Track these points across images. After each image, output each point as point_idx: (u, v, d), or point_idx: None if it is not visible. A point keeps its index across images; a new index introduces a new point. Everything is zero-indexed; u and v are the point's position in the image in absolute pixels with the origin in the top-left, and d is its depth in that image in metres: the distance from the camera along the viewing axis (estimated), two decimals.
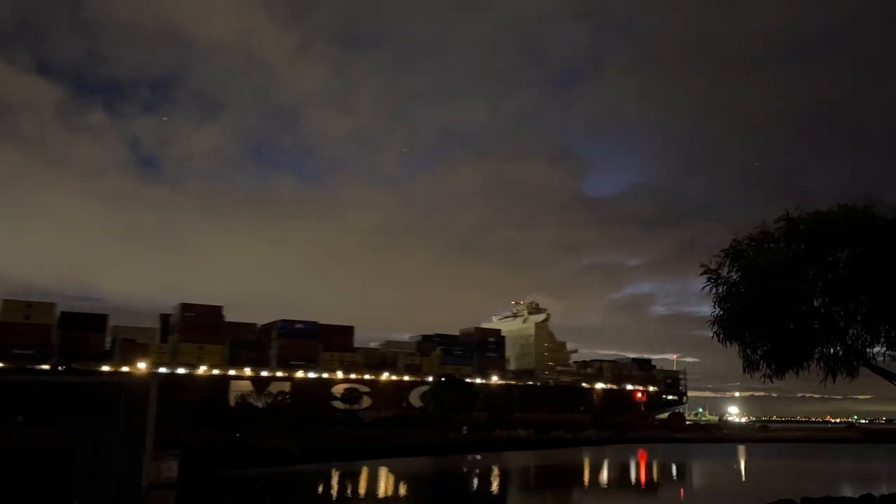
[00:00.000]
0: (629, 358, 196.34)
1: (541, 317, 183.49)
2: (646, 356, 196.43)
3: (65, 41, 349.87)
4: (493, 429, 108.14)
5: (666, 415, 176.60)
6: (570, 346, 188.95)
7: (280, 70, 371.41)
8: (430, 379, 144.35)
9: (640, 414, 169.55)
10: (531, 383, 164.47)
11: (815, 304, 16.68)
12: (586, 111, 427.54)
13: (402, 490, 52.00)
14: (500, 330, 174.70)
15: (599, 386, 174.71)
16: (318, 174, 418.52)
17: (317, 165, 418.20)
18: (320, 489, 51.10)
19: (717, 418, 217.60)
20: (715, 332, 17.75)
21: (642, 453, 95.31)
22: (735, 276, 17.28)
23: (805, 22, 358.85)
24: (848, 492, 30.04)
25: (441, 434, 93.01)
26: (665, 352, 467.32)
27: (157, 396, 39.37)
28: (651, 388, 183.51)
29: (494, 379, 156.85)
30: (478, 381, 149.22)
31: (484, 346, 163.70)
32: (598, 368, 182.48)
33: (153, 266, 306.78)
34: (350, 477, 57.54)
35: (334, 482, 54.64)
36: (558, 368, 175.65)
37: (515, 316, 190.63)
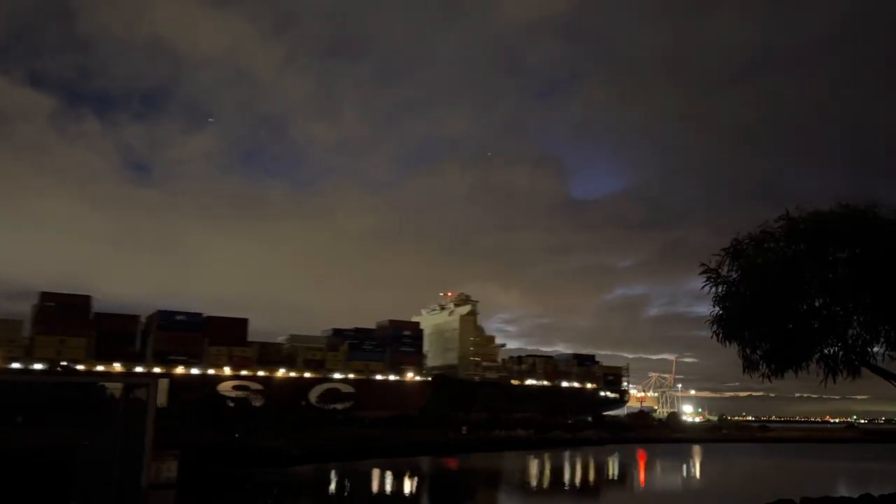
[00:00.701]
0: (569, 354, 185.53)
1: (465, 309, 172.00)
2: (645, 356, 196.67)
3: (58, 55, 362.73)
4: (492, 429, 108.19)
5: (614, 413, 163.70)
6: (498, 340, 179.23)
7: (267, 81, 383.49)
8: (337, 376, 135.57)
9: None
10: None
11: (815, 304, 16.68)
12: (568, 120, 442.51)
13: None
14: (418, 323, 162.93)
15: (530, 383, 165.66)
16: (309, 179, 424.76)
17: (307, 171, 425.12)
18: (319, 489, 51.18)
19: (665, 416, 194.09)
20: (714, 332, 17.74)
21: (641, 454, 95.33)
22: (735, 276, 17.29)
23: (775, 38, 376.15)
24: (808, 492, 30.06)
25: (441, 434, 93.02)
26: (662, 352, 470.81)
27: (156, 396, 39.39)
28: (589, 385, 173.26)
29: (409, 376, 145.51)
30: (391, 378, 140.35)
31: (398, 341, 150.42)
32: (531, 364, 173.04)
33: (147, 268, 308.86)
34: (347, 476, 57.60)
35: (333, 481, 54.70)
36: (484, 364, 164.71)
37: (442, 308, 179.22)
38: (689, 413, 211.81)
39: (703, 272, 17.83)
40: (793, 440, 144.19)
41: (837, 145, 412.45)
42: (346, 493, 50.59)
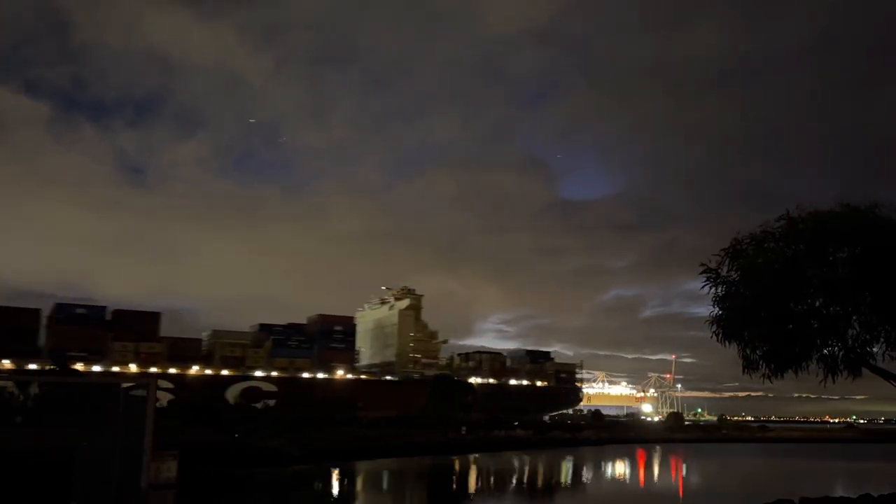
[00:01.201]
0: (524, 350, 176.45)
1: (405, 303, 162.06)
2: (644, 356, 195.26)
3: (54, 65, 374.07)
4: (491, 429, 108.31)
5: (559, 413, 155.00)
6: (441, 335, 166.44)
7: (257, 89, 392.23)
8: (259, 374, 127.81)
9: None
10: (388, 378, 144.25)
11: (815, 304, 16.67)
12: (555, 126, 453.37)
13: None
14: (351, 318, 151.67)
15: (475, 381, 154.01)
16: (300, 184, 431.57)
17: (299, 176, 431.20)
18: (316, 488, 51.21)
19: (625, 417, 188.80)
20: (714, 332, 17.72)
21: (641, 454, 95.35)
22: (735, 276, 17.28)
23: (752, 49, 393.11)
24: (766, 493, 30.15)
25: (441, 434, 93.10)
26: (659, 353, 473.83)
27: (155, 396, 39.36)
28: (539, 383, 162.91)
29: (340, 373, 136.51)
30: (319, 376, 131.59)
31: (328, 336, 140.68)
32: (477, 361, 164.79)
33: (143, 270, 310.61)
34: (344, 475, 57.61)
35: (331, 480, 54.72)
36: (424, 361, 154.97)
37: (383, 303, 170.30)
38: (648, 413, 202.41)
39: (703, 272, 17.82)
40: (792, 440, 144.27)
41: (818, 149, 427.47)
42: (342, 492, 50.67)
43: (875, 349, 16.41)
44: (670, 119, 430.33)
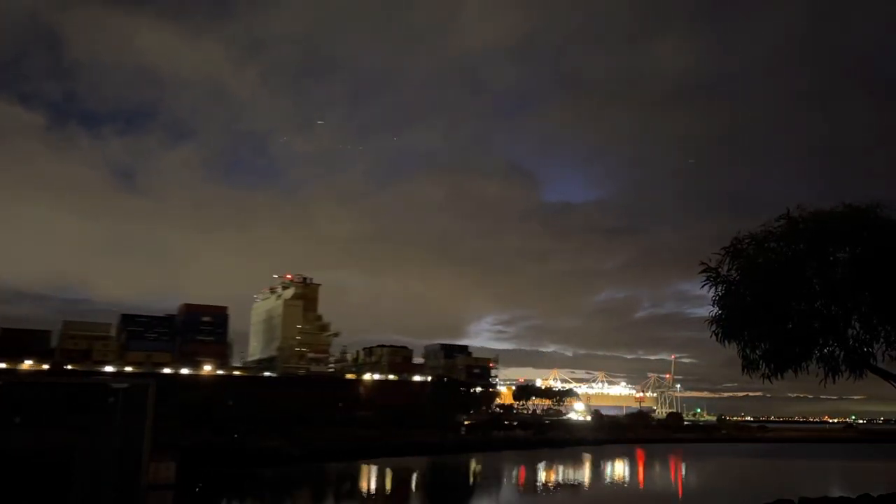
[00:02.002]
0: (437, 344, 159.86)
1: (290, 292, 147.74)
2: (643, 357, 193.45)
3: (48, 79, 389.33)
4: (491, 430, 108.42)
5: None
6: (333, 328, 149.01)
7: (244, 101, 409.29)
8: (109, 369, 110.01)
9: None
10: (266, 375, 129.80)
11: (816, 304, 16.65)
12: (535, 135, 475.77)
13: None
14: (224, 308, 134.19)
15: (372, 377, 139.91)
16: (289, 189, 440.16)
17: (287, 182, 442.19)
18: (316, 487, 51.20)
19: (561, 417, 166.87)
20: (713, 332, 17.69)
21: (640, 454, 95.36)
22: (735, 276, 17.25)
23: (710, 65, 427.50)
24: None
25: (441, 435, 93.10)
26: (657, 353, 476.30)
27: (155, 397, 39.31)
28: (447, 380, 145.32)
29: (207, 369, 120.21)
30: (182, 371, 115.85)
31: (194, 328, 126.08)
32: (379, 356, 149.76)
33: (137, 271, 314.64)
34: (338, 475, 57.60)
35: (329, 480, 54.72)
36: (310, 356, 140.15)
37: (272, 292, 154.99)
38: (579, 412, 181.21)
39: (703, 271, 17.80)
40: (791, 440, 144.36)
41: (791, 156, 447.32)
42: (337, 490, 50.71)
43: (875, 349, 16.39)
44: (645, 128, 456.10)
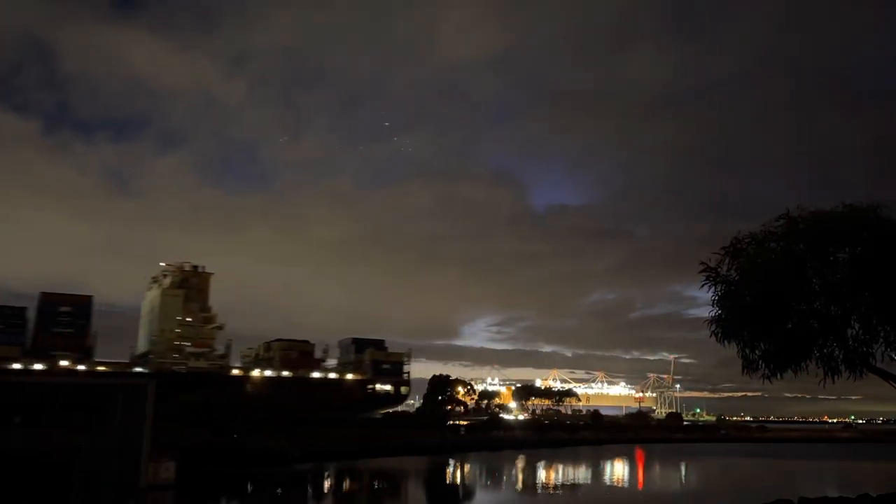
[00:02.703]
0: (350, 339, 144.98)
1: (168, 280, 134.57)
2: (642, 357, 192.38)
3: (42, 90, 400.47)
4: (490, 430, 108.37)
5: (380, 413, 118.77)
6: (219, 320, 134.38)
7: (234, 109, 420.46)
8: None
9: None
10: (140, 370, 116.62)
11: (815, 304, 16.64)
12: (518, 143, 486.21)
13: None
14: (89, 297, 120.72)
15: (263, 373, 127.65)
16: (282, 193, 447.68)
17: (279, 186, 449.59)
18: (314, 487, 51.25)
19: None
20: (713, 332, 17.68)
21: (640, 454, 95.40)
22: (734, 275, 17.25)
23: (688, 76, 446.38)
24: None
25: (440, 435, 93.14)
26: (657, 353, 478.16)
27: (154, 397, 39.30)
28: (350, 377, 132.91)
29: (64, 364, 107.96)
30: (36, 367, 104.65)
31: (51, 319, 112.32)
32: (275, 351, 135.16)
33: (133, 273, 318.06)
34: (339, 474, 57.64)
35: (327, 479, 54.78)
36: (190, 350, 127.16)
37: (154, 282, 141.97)
38: (514, 410, 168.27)
39: (703, 271, 17.79)
40: (790, 440, 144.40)
41: (768, 162, 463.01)
42: (333, 490, 50.75)
43: (875, 349, 16.39)
44: (630, 135, 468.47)
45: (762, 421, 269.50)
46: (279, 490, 49.47)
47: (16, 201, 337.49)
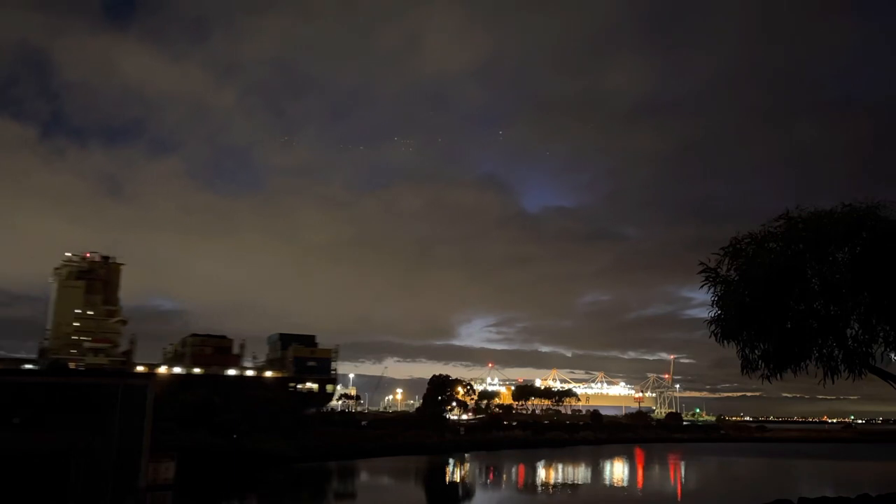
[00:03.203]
0: (277, 335, 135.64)
1: (64, 271, 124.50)
2: (642, 357, 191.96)
3: (39, 98, 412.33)
4: (490, 430, 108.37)
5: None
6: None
7: (224, 117, 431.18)
8: None
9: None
10: (28, 366, 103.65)
11: (815, 304, 16.62)
12: (505, 149, 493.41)
13: None
14: None
15: (170, 371, 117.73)
16: (273, 198, 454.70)
17: (270, 191, 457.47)
18: (313, 487, 51.26)
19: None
20: (712, 332, 17.67)
21: (639, 454, 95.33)
22: (734, 276, 17.24)
23: (667, 86, 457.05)
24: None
25: (438, 435, 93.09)
26: (657, 353, 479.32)
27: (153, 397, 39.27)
28: (270, 374, 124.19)
29: None
30: None
31: None
32: (190, 346, 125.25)
33: (129, 274, 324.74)
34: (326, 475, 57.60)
35: (326, 480, 54.77)
36: (88, 346, 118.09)
37: (56, 272, 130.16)
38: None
39: (702, 272, 17.78)
40: (790, 440, 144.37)
41: (746, 168, 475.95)
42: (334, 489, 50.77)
43: (874, 349, 16.38)
44: (602, 145, 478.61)
45: (762, 421, 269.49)
46: (278, 490, 49.43)
47: (13, 204, 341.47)
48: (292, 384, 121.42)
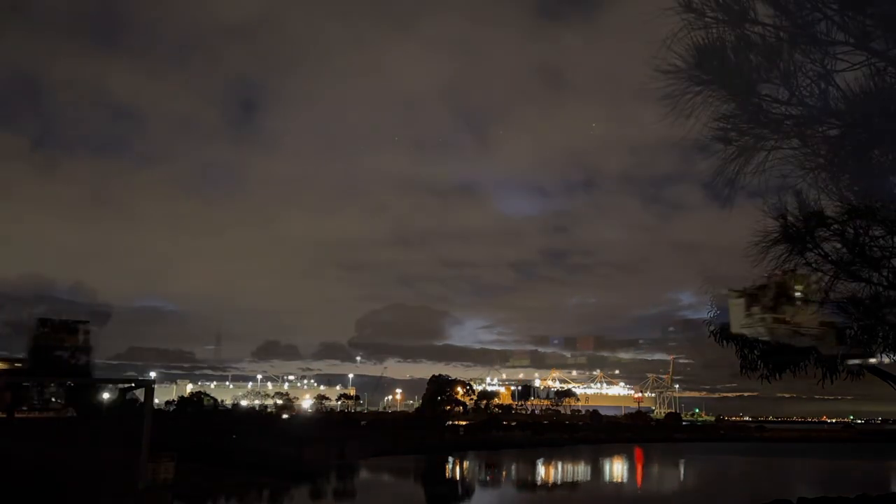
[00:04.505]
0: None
1: None
2: (641, 357, 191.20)
3: (28, 116, 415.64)
4: (489, 430, 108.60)
5: None
6: None
7: (210, 131, 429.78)
8: None
9: None
10: None
11: None
12: (476, 161, 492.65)
13: None
14: None
15: None
16: (266, 203, 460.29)
17: (264, 198, 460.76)
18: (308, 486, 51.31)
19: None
20: (711, 332, 17.68)
21: (638, 453, 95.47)
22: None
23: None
24: None
25: (438, 435, 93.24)
26: (656, 353, 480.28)
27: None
28: None
29: None
30: None
31: None
32: None
33: (123, 272, 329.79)
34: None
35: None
36: None
37: None
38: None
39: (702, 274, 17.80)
40: (789, 440, 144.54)
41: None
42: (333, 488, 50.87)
43: (873, 349, 16.39)
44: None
45: (761, 421, 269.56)
46: (279, 490, 49.47)
47: (9, 211, 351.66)
48: None
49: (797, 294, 16.66)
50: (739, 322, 16.54)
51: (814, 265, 13.05)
